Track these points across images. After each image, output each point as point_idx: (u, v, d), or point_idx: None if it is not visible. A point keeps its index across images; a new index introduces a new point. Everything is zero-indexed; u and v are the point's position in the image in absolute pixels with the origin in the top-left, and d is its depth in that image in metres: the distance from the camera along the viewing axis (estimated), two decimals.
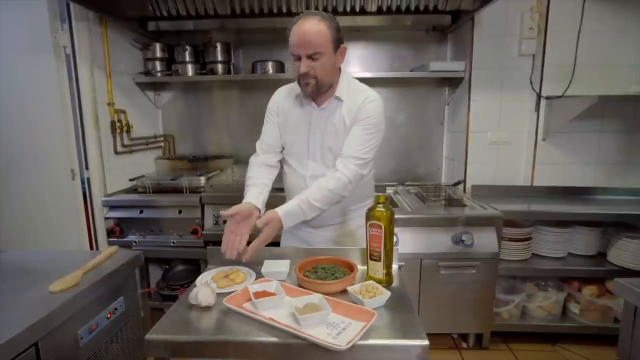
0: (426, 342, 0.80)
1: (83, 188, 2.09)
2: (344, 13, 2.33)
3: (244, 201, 1.24)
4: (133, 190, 2.30)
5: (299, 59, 1.20)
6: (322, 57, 1.19)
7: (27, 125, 2.02)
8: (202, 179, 2.27)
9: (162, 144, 2.79)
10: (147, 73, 2.49)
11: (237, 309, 0.90)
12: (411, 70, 2.55)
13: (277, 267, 1.14)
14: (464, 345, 2.14)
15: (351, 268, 1.08)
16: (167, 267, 2.39)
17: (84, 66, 2.01)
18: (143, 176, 2.32)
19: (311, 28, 1.17)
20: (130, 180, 2.30)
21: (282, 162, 1.46)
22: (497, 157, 2.41)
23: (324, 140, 1.32)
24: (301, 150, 1.36)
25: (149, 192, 2.22)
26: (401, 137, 2.71)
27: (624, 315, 1.06)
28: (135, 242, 2.17)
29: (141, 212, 2.16)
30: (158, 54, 2.49)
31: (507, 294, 2.11)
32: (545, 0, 2.18)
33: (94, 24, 2.09)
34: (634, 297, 1.00)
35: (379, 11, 2.34)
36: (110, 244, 2.15)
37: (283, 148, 1.42)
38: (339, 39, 1.23)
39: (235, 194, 2.16)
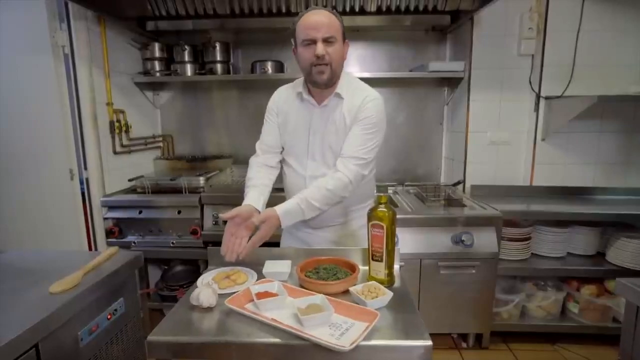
0: (429, 343, 0.80)
1: (82, 188, 2.08)
2: (344, 13, 2.33)
3: (244, 203, 1.23)
4: (132, 190, 2.29)
5: (312, 42, 1.18)
6: (336, 44, 1.20)
7: (25, 125, 2.01)
8: (202, 179, 2.26)
9: (161, 144, 2.78)
10: (146, 73, 2.49)
11: (239, 310, 0.89)
12: (410, 71, 2.56)
13: (279, 267, 1.13)
14: (464, 345, 2.14)
15: (353, 268, 1.08)
16: (166, 267, 2.39)
17: (83, 66, 2.00)
18: (142, 176, 2.31)
19: (324, 15, 1.19)
20: (129, 180, 2.29)
21: (282, 162, 1.45)
22: (496, 157, 2.41)
23: (324, 139, 1.31)
24: (301, 150, 1.35)
25: (148, 193, 2.21)
26: (400, 137, 2.71)
27: (626, 315, 1.06)
28: (134, 242, 2.16)
29: (140, 212, 2.15)
30: (157, 53, 2.48)
31: (506, 294, 2.11)
32: (545, 0, 2.19)
33: (93, 24, 2.08)
34: (636, 297, 1.00)
35: (379, 11, 2.34)
36: (109, 244, 2.14)
37: (283, 148, 1.42)
38: (344, 34, 1.24)
39: (235, 194, 2.17)
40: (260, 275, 1.10)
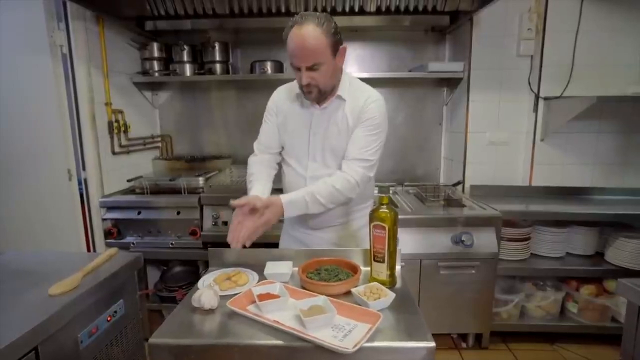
0: (432, 344, 0.79)
1: (80, 189, 2.07)
2: (343, 13, 2.32)
3: (250, 194, 1.24)
4: (131, 191, 2.28)
5: (298, 69, 1.19)
6: (322, 66, 1.17)
7: (23, 125, 2.00)
8: (201, 180, 2.25)
9: (159, 144, 2.76)
10: (144, 73, 2.47)
11: (241, 312, 0.89)
12: (410, 71, 2.56)
13: (280, 268, 1.13)
14: (464, 345, 2.15)
15: (354, 269, 1.08)
16: (165, 268, 2.37)
17: (81, 66, 1.99)
18: (141, 177, 2.30)
19: (307, 37, 1.12)
20: (128, 181, 2.28)
21: (281, 162, 1.45)
22: (495, 158, 2.41)
23: (325, 140, 1.31)
24: (301, 151, 1.35)
25: (147, 193, 2.20)
26: (400, 137, 2.71)
27: (627, 315, 1.06)
28: (133, 243, 2.15)
29: (139, 213, 2.14)
30: (156, 53, 2.47)
31: (506, 294, 2.12)
32: (544, 1, 2.19)
33: (91, 23, 2.06)
34: (638, 297, 1.01)
35: (378, 11, 2.34)
36: (107, 245, 2.13)
37: (282, 148, 1.41)
38: (337, 42, 1.19)
39: (234, 195, 2.13)
40: (262, 277, 1.10)
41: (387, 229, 1.03)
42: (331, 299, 0.91)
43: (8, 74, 1.95)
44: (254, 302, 0.92)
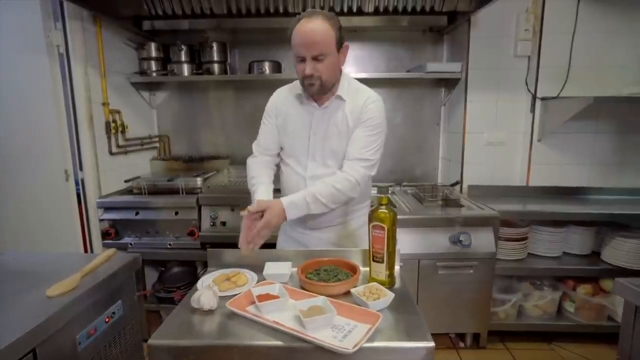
0: (432, 344, 0.80)
1: (77, 189, 2.05)
2: (341, 13, 2.32)
3: (257, 199, 1.24)
4: (128, 191, 2.27)
5: (303, 60, 1.19)
6: (327, 58, 1.19)
7: (20, 125, 1.98)
8: (199, 180, 2.24)
9: (157, 144, 2.75)
10: (142, 73, 2.46)
11: (240, 313, 0.89)
12: (407, 71, 2.56)
13: (279, 269, 1.13)
14: (462, 344, 2.15)
15: (353, 270, 1.08)
16: (162, 269, 2.36)
17: (78, 65, 1.98)
18: (138, 177, 2.29)
19: (316, 28, 1.15)
20: (126, 181, 2.27)
21: (280, 162, 1.45)
22: (493, 158, 2.42)
23: (325, 141, 1.31)
24: (301, 151, 1.35)
25: (145, 194, 2.19)
26: (398, 137, 2.71)
27: (625, 314, 1.07)
28: (131, 244, 2.14)
29: (137, 213, 2.13)
30: (153, 53, 2.46)
31: (503, 294, 2.13)
32: (541, 2, 2.20)
33: (88, 23, 2.05)
34: (635, 297, 1.01)
35: (376, 12, 2.34)
36: (105, 246, 2.12)
37: (281, 149, 1.41)
38: (342, 38, 1.22)
39: (233, 195, 2.16)
40: (261, 277, 1.10)
41: (386, 229, 1.03)
42: (331, 299, 0.91)
43: (4, 74, 1.94)
44: (253, 302, 0.92)
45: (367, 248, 1.09)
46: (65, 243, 2.05)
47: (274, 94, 1.42)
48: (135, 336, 1.28)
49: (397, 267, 1.13)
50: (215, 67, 2.49)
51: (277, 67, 2.52)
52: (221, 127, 2.78)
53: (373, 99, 1.29)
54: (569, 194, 2.34)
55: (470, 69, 2.31)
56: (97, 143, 2.11)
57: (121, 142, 2.32)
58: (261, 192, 1.28)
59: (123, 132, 2.32)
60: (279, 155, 1.44)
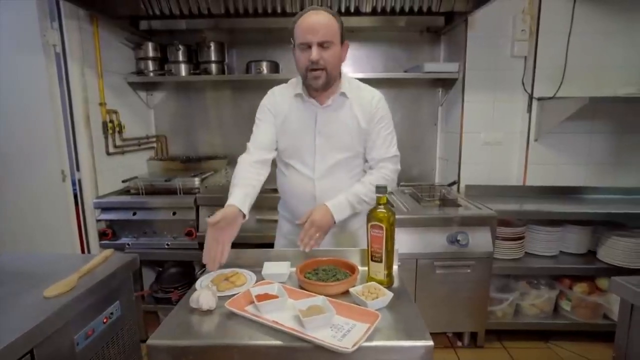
0: (430, 343, 0.80)
1: (74, 190, 2.04)
2: (339, 13, 2.31)
3: (227, 203, 1.14)
4: (126, 191, 2.26)
5: (308, 47, 1.19)
6: (332, 47, 1.20)
7: (16, 125, 1.97)
8: (196, 180, 2.24)
9: (154, 144, 2.75)
10: (139, 73, 2.45)
11: (239, 312, 0.89)
12: (405, 71, 2.57)
13: (278, 269, 1.13)
14: (459, 344, 2.16)
15: (352, 269, 1.08)
16: (160, 269, 2.36)
17: (75, 65, 1.97)
18: (136, 177, 2.28)
19: (322, 17, 1.18)
20: (123, 181, 2.26)
21: (279, 163, 1.42)
22: (490, 158, 2.43)
23: (333, 140, 1.31)
24: (306, 152, 1.32)
25: (142, 194, 2.19)
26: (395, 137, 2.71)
27: (620, 313, 1.08)
28: (128, 244, 2.14)
29: (134, 214, 2.12)
30: (150, 53, 2.45)
31: (500, 293, 2.14)
32: (537, 2, 2.22)
33: (85, 23, 2.04)
34: (630, 295, 1.02)
35: (373, 12, 2.35)
36: (102, 246, 2.11)
37: (279, 151, 1.38)
38: (343, 35, 1.24)
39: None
40: (259, 277, 1.10)
41: (384, 229, 1.03)
42: (330, 299, 0.91)
43: (0, 74, 1.93)
44: (252, 302, 0.92)
45: (366, 248, 1.09)
46: (62, 244, 2.04)
47: (270, 93, 1.38)
48: (133, 337, 1.27)
49: (395, 267, 1.13)
50: (213, 67, 2.48)
51: (274, 67, 2.52)
52: (219, 127, 2.78)
53: (378, 96, 1.33)
54: (565, 194, 2.36)
55: (467, 69, 2.32)
56: (94, 143, 2.10)
57: (118, 142, 2.31)
58: (236, 195, 1.17)
59: (120, 132, 2.31)
60: (276, 152, 1.38)
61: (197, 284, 1.06)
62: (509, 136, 2.41)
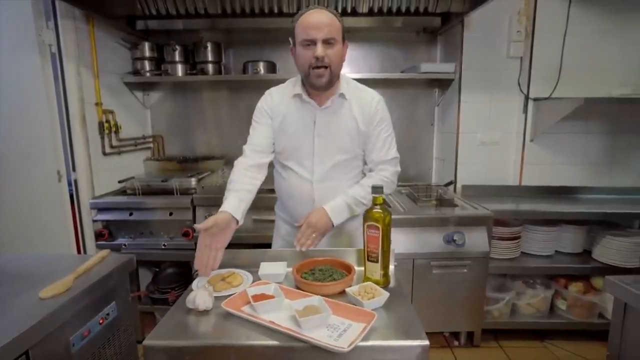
0: (426, 342, 0.80)
1: (70, 190, 2.04)
2: None
3: (222, 208, 1.14)
4: (122, 192, 2.25)
5: (311, 44, 1.17)
6: (336, 45, 1.19)
7: (12, 125, 1.96)
8: (193, 181, 2.24)
9: (151, 145, 2.74)
10: (135, 73, 2.45)
11: (236, 313, 0.89)
12: (402, 72, 2.58)
13: (274, 269, 1.13)
14: (456, 343, 2.17)
15: (348, 269, 1.09)
16: (157, 270, 2.35)
17: (71, 65, 1.96)
18: (132, 178, 2.28)
19: (325, 16, 1.17)
20: (119, 182, 2.25)
21: (276, 165, 1.41)
22: (486, 158, 2.44)
23: (333, 142, 1.30)
24: (305, 153, 1.31)
25: (139, 194, 2.18)
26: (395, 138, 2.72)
27: (614, 311, 1.09)
28: (124, 245, 2.13)
29: (131, 214, 2.12)
30: (147, 53, 2.44)
31: (497, 292, 2.15)
32: (532, 3, 2.23)
33: (81, 22, 2.04)
34: (624, 294, 1.03)
35: (370, 12, 2.35)
36: (98, 247, 2.10)
37: (274, 151, 1.37)
38: (344, 35, 1.23)
39: None
40: (256, 277, 1.10)
41: (380, 229, 1.04)
42: (326, 298, 0.91)
43: None
44: (248, 302, 0.92)
45: (362, 248, 1.10)
46: (58, 244, 2.03)
47: (267, 94, 1.36)
48: (129, 337, 1.27)
49: (391, 267, 1.13)
50: (210, 67, 2.48)
51: (271, 68, 2.51)
52: (215, 127, 2.77)
53: (377, 97, 1.33)
54: (560, 194, 2.37)
55: (463, 69, 2.33)
56: (90, 143, 2.10)
57: (114, 143, 2.30)
58: (230, 201, 1.16)
59: (116, 132, 2.30)
60: (273, 155, 1.37)
61: (194, 284, 1.06)
62: (505, 136, 2.42)
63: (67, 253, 2.01)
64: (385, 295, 0.95)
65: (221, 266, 1.16)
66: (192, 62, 2.53)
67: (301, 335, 0.80)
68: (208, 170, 2.51)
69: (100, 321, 1.12)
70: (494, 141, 2.42)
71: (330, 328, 0.84)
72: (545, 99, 2.27)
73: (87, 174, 2.09)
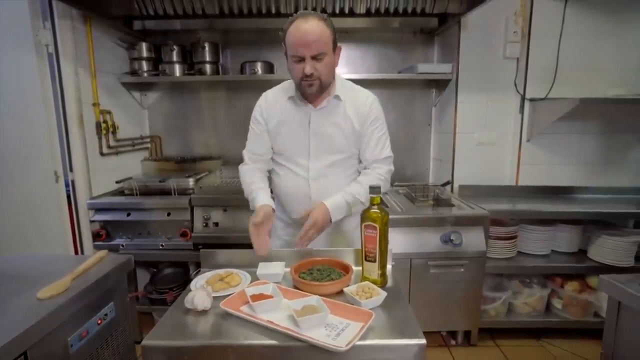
0: (423, 341, 0.81)
1: (67, 190, 2.03)
2: (333, 14, 2.34)
3: (260, 204, 1.23)
4: (120, 192, 2.25)
5: (301, 60, 1.18)
6: (325, 58, 1.19)
7: (8, 126, 1.96)
8: (191, 181, 2.23)
9: (148, 145, 2.73)
10: (133, 73, 2.44)
11: (234, 313, 0.89)
12: (399, 72, 2.58)
13: (272, 269, 1.13)
14: (453, 342, 2.18)
15: (346, 269, 1.09)
16: (154, 270, 2.35)
17: (68, 65, 1.96)
18: (130, 178, 2.27)
19: (314, 28, 1.15)
20: (117, 182, 2.25)
21: (273, 165, 1.43)
22: (483, 158, 2.45)
23: (328, 141, 1.32)
24: (301, 152, 1.34)
25: (137, 194, 2.18)
26: (389, 138, 2.72)
27: (609, 310, 1.10)
28: (122, 245, 2.13)
29: (128, 214, 2.12)
30: (144, 53, 2.44)
31: (493, 292, 2.16)
32: (529, 4, 2.24)
33: (78, 22, 2.03)
34: (618, 293, 1.04)
35: (367, 13, 2.37)
36: (96, 247, 2.10)
37: (273, 153, 1.41)
38: (336, 38, 1.23)
39: (225, 196, 2.16)
40: (254, 277, 1.10)
41: (378, 229, 1.04)
42: (324, 298, 0.92)
43: None
44: (247, 302, 0.92)
45: (360, 248, 1.10)
46: (55, 244, 2.03)
47: (262, 98, 1.40)
48: (127, 338, 1.27)
49: (389, 266, 1.14)
50: (207, 67, 2.48)
51: (269, 68, 2.52)
52: (213, 127, 2.77)
53: (372, 97, 1.34)
54: (557, 194, 2.39)
55: (460, 70, 2.34)
56: (87, 144, 2.09)
57: (112, 143, 2.30)
58: (262, 197, 1.27)
59: (114, 132, 2.30)
60: (272, 160, 1.42)
61: (192, 284, 1.06)
62: (502, 136, 2.43)
63: (65, 254, 2.01)
64: (382, 294, 0.96)
65: (220, 266, 1.17)
66: (190, 63, 2.53)
67: (299, 334, 0.80)
68: (206, 171, 2.51)
69: (99, 322, 1.12)
70: (490, 141, 2.43)
71: (328, 327, 0.84)
72: (542, 99, 2.28)
73: (84, 175, 2.09)
